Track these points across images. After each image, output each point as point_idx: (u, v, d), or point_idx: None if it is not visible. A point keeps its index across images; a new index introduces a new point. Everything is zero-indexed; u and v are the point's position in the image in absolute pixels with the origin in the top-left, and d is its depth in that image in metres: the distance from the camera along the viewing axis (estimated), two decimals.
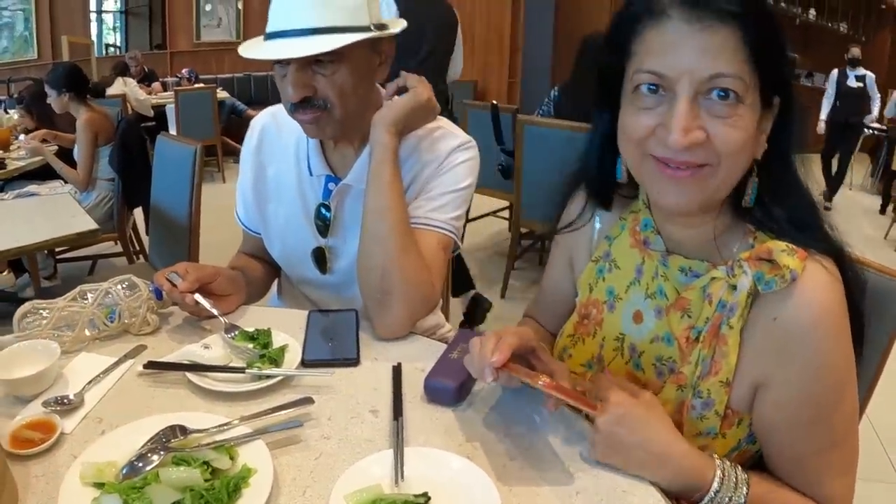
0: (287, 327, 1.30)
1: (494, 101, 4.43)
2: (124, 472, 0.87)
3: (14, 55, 8.91)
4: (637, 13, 0.85)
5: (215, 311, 1.31)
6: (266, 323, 1.31)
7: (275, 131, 1.52)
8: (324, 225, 1.46)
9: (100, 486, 0.86)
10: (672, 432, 0.89)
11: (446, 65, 3.74)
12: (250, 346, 1.23)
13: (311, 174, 1.46)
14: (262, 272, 1.62)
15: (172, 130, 6.87)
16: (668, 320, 0.99)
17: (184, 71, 8.58)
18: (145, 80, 8.17)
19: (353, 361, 1.20)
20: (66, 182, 3.94)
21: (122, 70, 7.59)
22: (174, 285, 1.31)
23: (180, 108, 6.90)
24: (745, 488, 0.87)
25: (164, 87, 8.19)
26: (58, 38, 8.65)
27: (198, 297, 1.31)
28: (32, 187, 3.17)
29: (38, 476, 0.91)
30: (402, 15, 4.24)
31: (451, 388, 1.07)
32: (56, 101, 3.82)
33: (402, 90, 1.33)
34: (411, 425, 1.02)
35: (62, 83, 3.77)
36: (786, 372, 0.89)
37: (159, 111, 7.31)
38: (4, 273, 4.07)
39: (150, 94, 7.74)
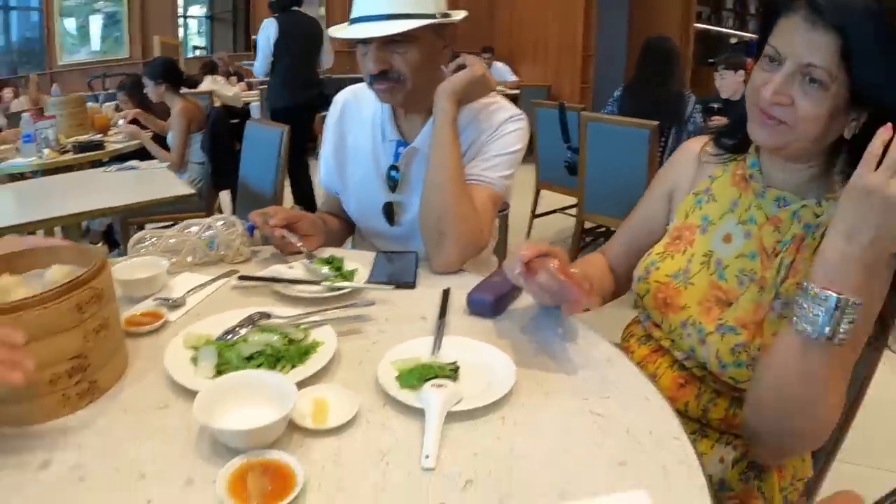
0: (358, 261, 1.52)
1: (561, 102, 4.59)
2: (218, 338, 1.11)
3: (107, 54, 9.64)
4: (779, 5, 1.08)
5: (298, 244, 1.55)
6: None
7: (355, 105, 1.79)
8: (393, 183, 1.70)
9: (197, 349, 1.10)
10: None
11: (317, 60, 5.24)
12: (326, 268, 1.46)
13: (384, 139, 1.72)
14: (338, 226, 1.88)
15: None
16: (759, 235, 1.16)
17: None
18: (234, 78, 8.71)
19: (410, 285, 1.42)
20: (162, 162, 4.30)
21: (210, 69, 8.14)
22: (266, 222, 1.56)
23: (266, 104, 7.28)
24: None
25: (249, 88, 8.65)
26: (148, 39, 9.29)
27: (285, 231, 1.55)
28: (133, 163, 3.51)
29: (146, 348, 1.15)
30: (283, 30, 4.98)
31: (489, 300, 1.27)
32: (153, 90, 4.19)
33: (460, 67, 1.56)
34: (452, 328, 1.21)
35: (159, 74, 4.15)
36: None
37: (244, 109, 7.77)
38: (99, 245, 4.46)
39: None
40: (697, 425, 1.22)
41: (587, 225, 4.38)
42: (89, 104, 5.55)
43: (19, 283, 1.06)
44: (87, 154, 4.18)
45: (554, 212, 5.20)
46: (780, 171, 1.17)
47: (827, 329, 0.93)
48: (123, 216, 3.71)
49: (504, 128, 1.61)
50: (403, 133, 1.70)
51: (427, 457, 0.84)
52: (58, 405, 0.95)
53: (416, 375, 1.00)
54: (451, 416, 0.93)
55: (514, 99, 7.72)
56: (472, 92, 1.56)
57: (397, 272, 1.47)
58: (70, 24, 9.55)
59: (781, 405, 1.02)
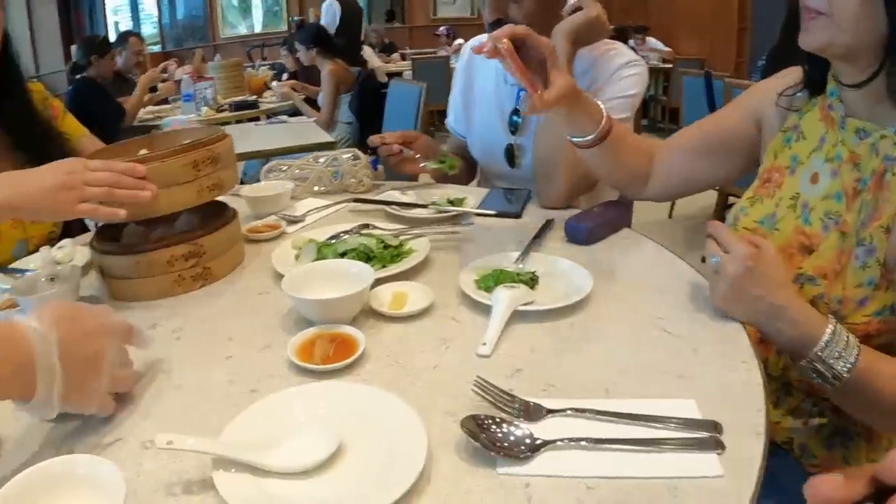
0: (471, 194, 1.58)
1: (707, 69, 4.42)
2: (323, 239, 1.21)
3: (265, 27, 10.38)
4: None
5: (417, 156, 1.63)
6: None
7: None
8: (514, 127, 1.73)
9: None
10: (791, 288, 0.96)
11: None
12: (437, 195, 1.53)
13: (506, 83, 1.76)
14: (462, 166, 1.94)
15: None
16: (840, 176, 1.05)
17: (441, 29, 9.27)
18: (385, 51, 8.99)
19: (516, 214, 1.44)
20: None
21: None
22: (384, 141, 1.65)
23: (417, 75, 7.49)
24: (855, 350, 0.89)
25: (403, 58, 8.91)
26: (305, 11, 9.82)
27: (403, 148, 1.63)
28: (283, 117, 3.78)
29: (263, 253, 1.27)
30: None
31: (584, 227, 1.28)
32: (304, 54, 4.48)
33: (577, 9, 1.55)
34: (545, 250, 1.23)
35: (310, 39, 4.43)
36: None
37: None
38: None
39: (388, 62, 8.49)
40: (779, 384, 1.12)
41: (730, 201, 4.20)
42: (248, 70, 6.00)
43: None
44: (242, 112, 4.55)
45: None
46: (853, 94, 1.04)
47: None
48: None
49: (621, 72, 1.60)
50: None
51: (484, 344, 0.88)
52: (173, 284, 1.08)
53: (494, 279, 1.04)
54: (521, 316, 0.96)
55: (666, 73, 7.55)
56: (587, 33, 1.54)
57: (506, 203, 1.50)
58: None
59: None
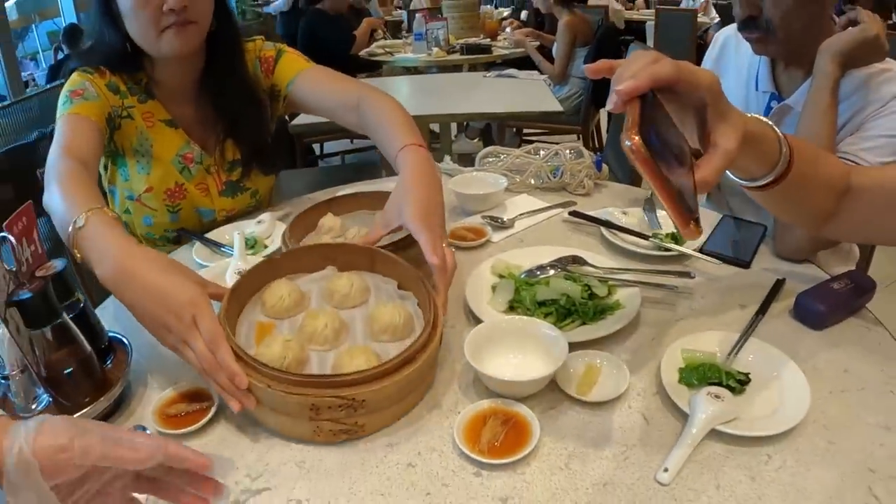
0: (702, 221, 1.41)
1: None
2: (524, 274, 1.12)
3: None
4: None
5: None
6: None
7: (734, 45, 1.62)
8: None
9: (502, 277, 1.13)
10: None
11: None
12: (660, 217, 1.38)
13: (757, 89, 1.54)
14: None
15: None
16: None
17: None
18: None
19: (745, 264, 1.27)
20: (542, 73, 4.44)
21: None
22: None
23: (660, 26, 7.04)
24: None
25: (647, 5, 8.41)
26: None
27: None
28: (512, 71, 3.70)
29: (465, 262, 1.22)
30: None
31: (817, 310, 1.08)
32: (542, 2, 4.32)
33: (852, 23, 1.33)
34: (767, 327, 1.07)
35: None
36: None
37: (640, 27, 7.56)
38: (475, 140, 4.81)
39: (630, 9, 8.03)
40: None
41: None
42: (486, 7, 5.92)
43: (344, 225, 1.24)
44: (474, 56, 4.51)
45: None
46: None
47: None
48: (501, 119, 3.92)
49: None
50: (779, 86, 1.51)
51: (666, 470, 0.77)
52: None
53: (700, 374, 0.91)
54: (716, 434, 0.83)
55: None
56: (861, 55, 1.32)
57: (735, 245, 1.33)
58: None
59: None
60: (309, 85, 1.53)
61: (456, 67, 4.52)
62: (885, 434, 0.85)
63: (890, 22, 7.14)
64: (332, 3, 4.86)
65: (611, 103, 0.71)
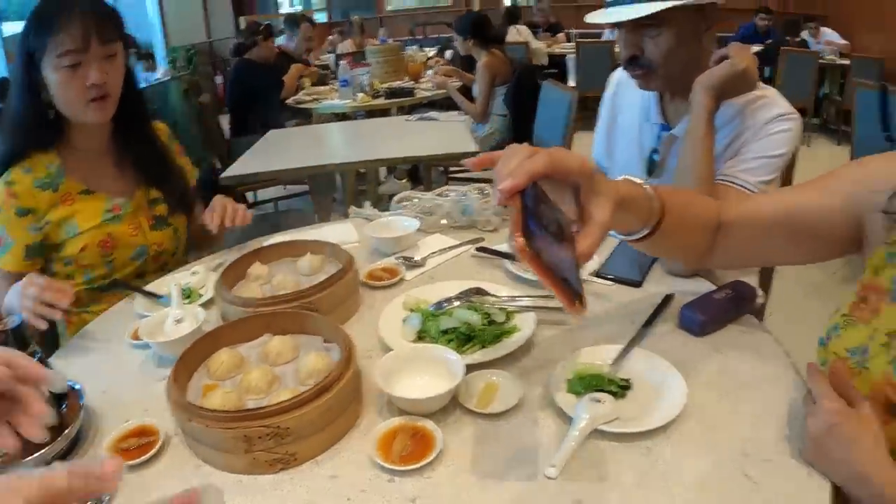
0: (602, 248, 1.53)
1: (883, 83, 3.95)
2: (431, 307, 1.25)
3: (429, 2, 10.71)
4: None
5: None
6: None
7: (627, 83, 1.74)
8: (652, 167, 1.68)
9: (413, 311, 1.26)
10: (882, 455, 0.83)
11: None
12: None
13: (647, 121, 1.69)
14: None
15: (571, 80, 7.37)
16: None
17: None
18: (550, 30, 8.88)
19: (637, 283, 1.40)
20: (463, 113, 4.63)
21: (511, 19, 8.40)
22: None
23: (581, 59, 7.35)
24: None
25: (568, 38, 8.75)
26: None
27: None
28: (433, 113, 3.87)
29: (380, 300, 1.35)
30: None
31: (699, 319, 1.21)
32: (461, 44, 4.59)
33: (723, 58, 1.44)
34: (652, 338, 1.20)
35: (467, 30, 4.49)
36: None
37: (562, 61, 7.89)
38: (403, 181, 4.98)
39: (551, 45, 8.36)
40: None
41: None
42: (411, 48, 6.15)
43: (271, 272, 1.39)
44: (398, 100, 4.70)
45: None
46: None
47: None
48: (424, 161, 4.11)
49: (770, 127, 1.46)
50: (668, 117, 1.66)
51: (552, 466, 0.87)
52: None
53: (585, 383, 1.03)
54: (600, 434, 0.94)
55: (843, 71, 6.89)
56: (731, 87, 1.45)
57: (630, 267, 1.45)
58: None
59: None
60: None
61: (384, 111, 4.67)
62: (759, 423, 0.96)
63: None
64: (259, 52, 4.98)
65: (494, 199, 0.80)
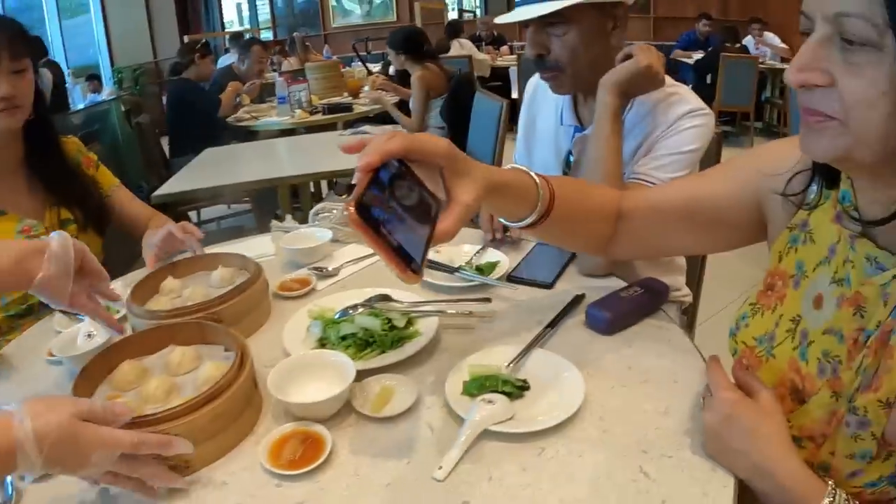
0: (518, 252, 1.57)
1: None
2: (336, 315, 1.26)
3: (374, 17, 10.83)
4: None
5: None
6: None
7: (543, 88, 1.75)
8: (568, 168, 1.69)
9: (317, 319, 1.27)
10: (782, 445, 0.83)
11: None
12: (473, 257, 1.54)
13: (562, 123, 1.72)
14: None
15: (514, 92, 7.48)
16: (843, 312, 0.86)
17: None
18: (494, 43, 9.01)
19: (548, 285, 1.41)
20: (399, 127, 4.66)
21: (454, 33, 8.54)
22: None
23: (522, 71, 7.47)
24: None
25: (511, 51, 8.88)
26: (413, 4, 10.01)
27: None
28: (367, 127, 3.90)
29: (290, 310, 1.35)
30: None
31: (604, 317, 1.22)
32: (394, 59, 4.65)
33: (627, 57, 1.46)
34: (559, 339, 1.21)
35: (400, 45, 4.55)
36: None
37: (504, 73, 8.01)
38: (343, 196, 4.98)
39: (495, 58, 8.49)
40: None
41: None
42: (355, 65, 6.18)
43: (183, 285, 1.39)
44: (335, 115, 4.71)
45: None
46: (872, 203, 0.82)
47: None
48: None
49: (681, 123, 1.48)
50: (581, 119, 1.68)
51: (440, 468, 0.89)
52: None
53: (480, 385, 1.03)
54: (493, 435, 0.95)
55: (782, 73, 7.09)
56: (635, 85, 1.45)
57: (541, 269, 1.46)
58: None
59: None
60: (119, 200, 1.91)
61: (329, 127, 4.64)
62: (662, 418, 0.97)
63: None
64: (196, 71, 4.95)
65: (355, 178, 0.80)
